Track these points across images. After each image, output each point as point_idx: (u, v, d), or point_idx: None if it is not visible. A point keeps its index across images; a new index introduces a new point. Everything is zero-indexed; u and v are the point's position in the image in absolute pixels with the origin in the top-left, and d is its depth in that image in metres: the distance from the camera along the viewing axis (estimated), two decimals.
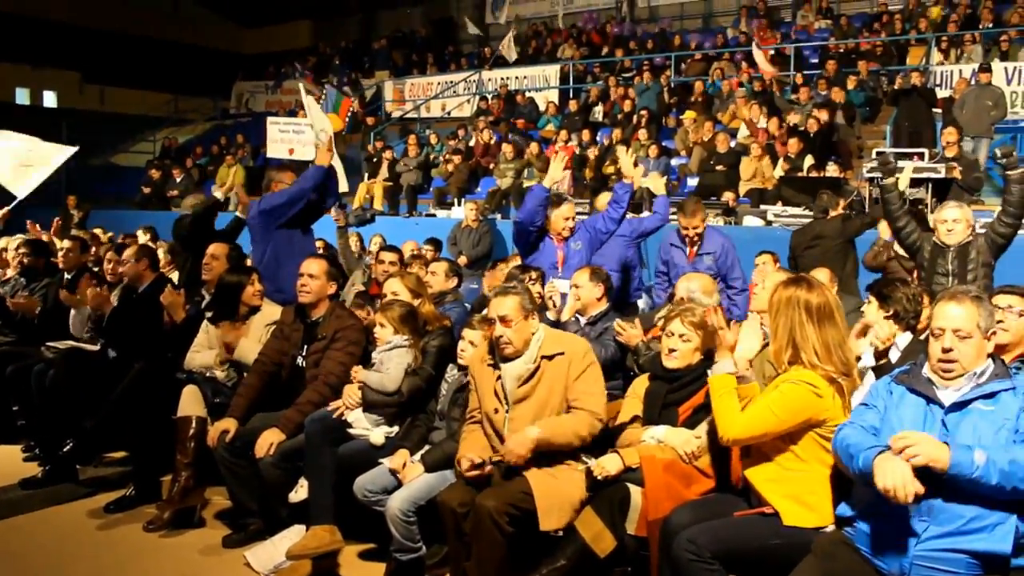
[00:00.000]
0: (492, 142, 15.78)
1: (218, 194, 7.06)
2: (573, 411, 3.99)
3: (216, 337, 5.44)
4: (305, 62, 25.30)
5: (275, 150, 14.92)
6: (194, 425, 5.06)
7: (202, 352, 5.45)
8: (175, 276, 7.52)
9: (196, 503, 5.17)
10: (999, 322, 3.82)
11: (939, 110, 12.90)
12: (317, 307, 5.08)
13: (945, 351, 3.05)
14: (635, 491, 3.70)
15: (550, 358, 4.05)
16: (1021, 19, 15.06)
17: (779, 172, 12.18)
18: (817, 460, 3.32)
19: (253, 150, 18.92)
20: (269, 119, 15.13)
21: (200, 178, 18.62)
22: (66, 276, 7.08)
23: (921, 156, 10.00)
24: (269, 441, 4.62)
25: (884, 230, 7.58)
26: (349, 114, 16.15)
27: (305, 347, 5.06)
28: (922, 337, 4.25)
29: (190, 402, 5.16)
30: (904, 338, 4.17)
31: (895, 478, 2.77)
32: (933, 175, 9.63)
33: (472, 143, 16.32)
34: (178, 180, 17.77)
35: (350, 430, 4.62)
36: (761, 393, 3.46)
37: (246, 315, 5.47)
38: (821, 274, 5.80)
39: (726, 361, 3.52)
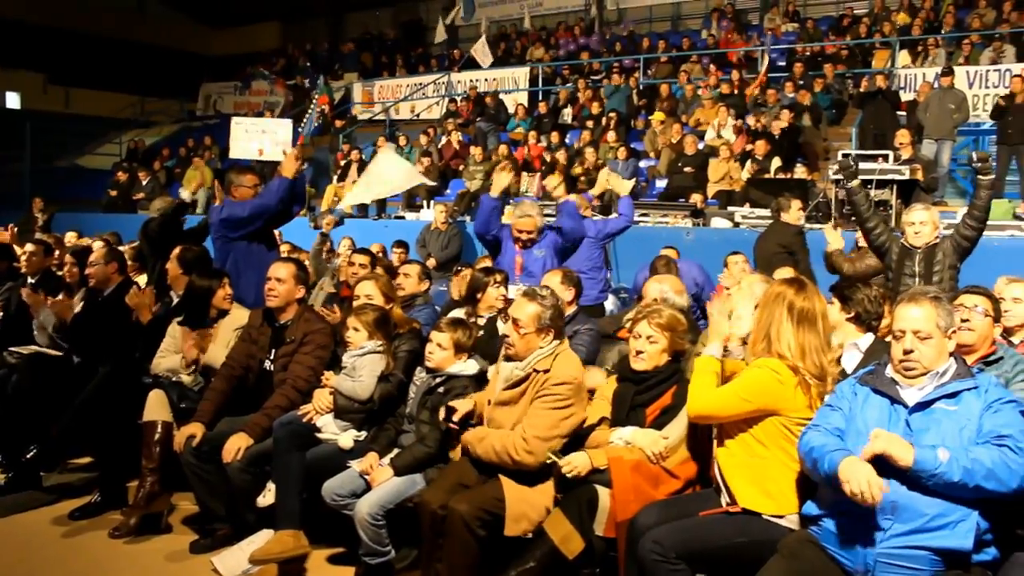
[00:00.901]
0: (461, 144, 15.77)
1: (185, 195, 6.99)
2: (514, 429, 4.01)
3: (182, 342, 5.40)
4: (273, 64, 25.16)
5: (240, 151, 14.83)
6: (160, 430, 5.03)
7: (168, 356, 5.41)
8: (141, 279, 7.45)
9: (162, 508, 5.12)
10: (965, 321, 3.90)
11: (903, 113, 13.08)
12: (285, 311, 5.06)
13: (906, 352, 3.12)
14: (603, 492, 3.72)
15: (541, 372, 4.05)
16: (982, 24, 15.29)
17: (746, 174, 12.27)
18: (780, 449, 3.37)
19: (221, 152, 18.76)
20: (233, 119, 15.05)
21: (167, 181, 18.45)
22: (30, 280, 6.98)
23: (885, 158, 10.11)
24: (236, 446, 4.59)
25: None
26: (320, 109, 16.13)
27: (273, 351, 5.03)
28: (887, 339, 4.30)
29: (156, 407, 5.12)
30: (866, 339, 4.21)
31: (861, 483, 2.83)
32: (897, 176, 9.74)
33: (441, 145, 16.29)
34: (145, 183, 17.57)
35: (319, 434, 4.60)
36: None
37: (215, 319, 5.43)
38: (785, 272, 5.87)
39: (715, 345, 3.66)
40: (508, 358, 4.16)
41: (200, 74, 26.14)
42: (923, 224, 5.83)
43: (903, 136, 10.77)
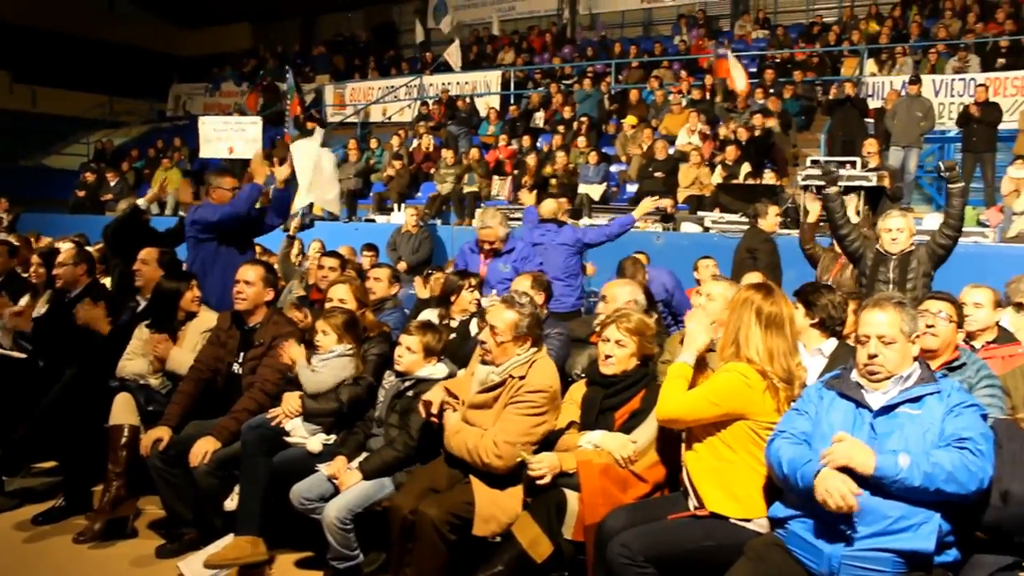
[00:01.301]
0: (432, 147, 15.77)
1: (141, 201, 6.87)
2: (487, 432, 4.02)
3: (149, 344, 5.35)
4: (243, 65, 25.02)
5: (210, 150, 14.72)
6: (126, 433, 4.98)
7: (135, 359, 5.35)
8: (107, 282, 7.37)
9: (128, 513, 5.07)
10: (930, 326, 3.95)
11: (871, 120, 13.24)
12: (254, 314, 5.03)
13: (871, 357, 3.17)
14: (572, 496, 3.72)
15: (517, 378, 4.06)
16: (948, 34, 15.51)
17: (716, 179, 12.35)
18: (747, 453, 3.40)
19: (191, 153, 18.65)
20: (201, 118, 14.94)
21: (136, 182, 18.31)
22: None
23: (853, 164, 10.22)
24: (204, 449, 4.56)
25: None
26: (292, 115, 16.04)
27: (241, 354, 5.00)
28: (850, 342, 4.34)
29: (122, 410, 5.07)
30: (830, 344, 4.24)
31: (838, 501, 2.89)
32: (864, 183, 9.85)
33: (413, 148, 16.28)
34: (113, 184, 17.43)
35: (287, 438, 4.58)
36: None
37: (183, 321, 5.39)
38: (753, 277, 5.91)
39: (688, 353, 3.66)
40: (484, 361, 4.17)
41: (170, 75, 25.94)
42: (900, 231, 5.88)
43: (871, 145, 10.90)
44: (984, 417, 3.11)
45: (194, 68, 26.37)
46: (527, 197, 7.73)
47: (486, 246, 6.24)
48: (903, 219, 5.96)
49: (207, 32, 28.57)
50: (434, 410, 4.24)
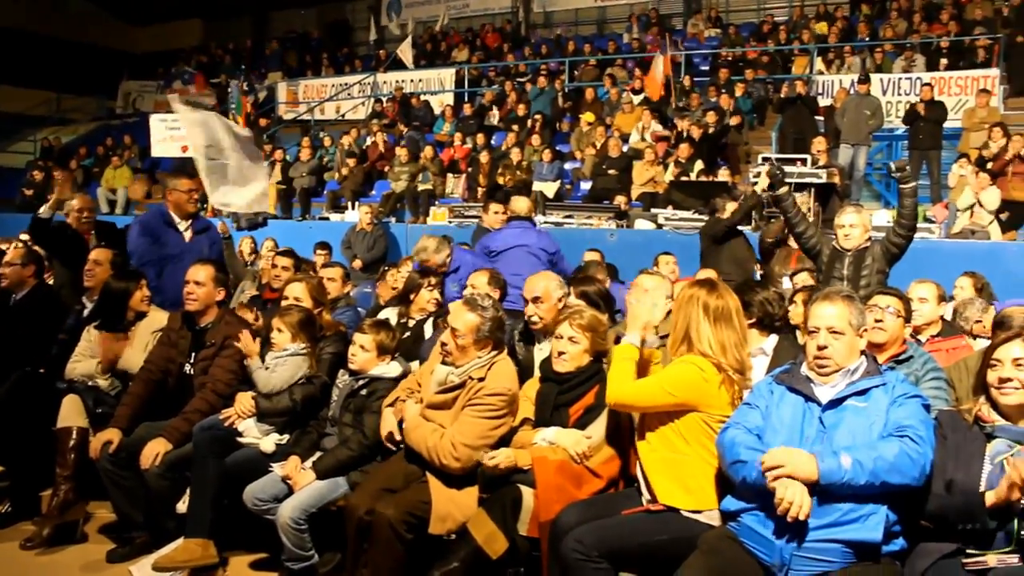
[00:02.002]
0: (386, 145, 15.71)
1: (43, 210, 6.62)
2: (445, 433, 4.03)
3: (98, 345, 5.27)
4: (191, 63, 24.71)
5: (163, 149, 14.47)
6: (75, 436, 4.91)
7: (83, 361, 5.27)
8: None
9: (78, 517, 4.99)
10: (878, 321, 4.01)
11: (821, 118, 13.43)
12: (205, 314, 4.99)
13: (820, 348, 3.23)
14: (527, 492, 3.73)
15: (476, 380, 4.06)
16: (894, 34, 15.80)
17: (669, 176, 12.45)
18: (700, 445, 3.44)
19: (141, 151, 18.37)
20: (153, 116, 14.69)
21: (84, 180, 18.00)
22: None
23: (804, 162, 10.35)
24: (155, 451, 4.50)
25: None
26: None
27: (193, 354, 4.95)
28: (801, 335, 4.40)
29: (71, 412, 5.00)
30: (771, 341, 4.28)
31: (795, 510, 2.94)
32: (815, 180, 9.99)
33: (367, 146, 16.20)
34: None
35: (240, 438, 4.54)
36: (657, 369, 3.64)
37: (133, 321, 5.32)
38: (707, 274, 5.97)
39: (634, 334, 3.69)
40: (445, 361, 4.18)
41: (120, 71, 25.51)
42: (852, 227, 5.91)
43: (819, 143, 11.06)
44: (927, 407, 3.18)
45: (145, 65, 25.97)
46: (493, 219, 7.70)
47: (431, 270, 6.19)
48: (857, 215, 6.00)
49: (158, 28, 28.13)
50: (388, 402, 4.27)
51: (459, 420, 4.01)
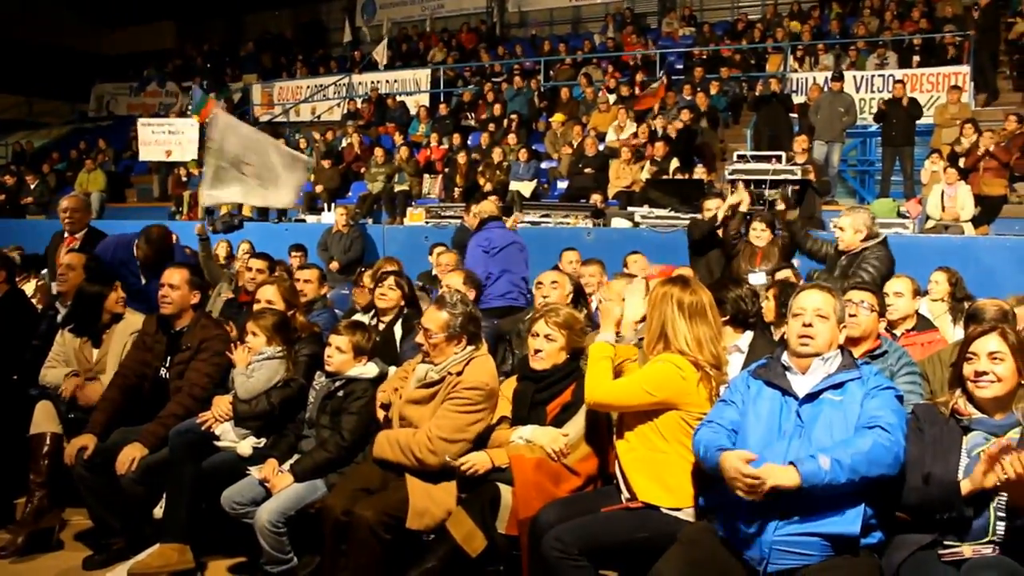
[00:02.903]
0: (362, 146, 15.67)
1: None
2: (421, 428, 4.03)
3: (71, 350, 5.22)
4: (166, 65, 24.55)
5: (148, 152, 14.48)
6: (49, 442, 4.85)
7: (57, 367, 5.22)
8: (29, 287, 7.18)
9: (53, 524, 4.93)
10: (852, 316, 4.04)
11: (796, 115, 13.53)
12: (181, 317, 4.95)
13: (805, 326, 3.27)
14: (505, 490, 3.74)
15: (454, 375, 4.08)
16: (867, 31, 15.95)
17: (646, 175, 12.48)
18: (679, 443, 3.45)
19: (115, 155, 18.24)
20: (140, 120, 14.68)
21: (57, 184, 17.83)
22: None
23: (779, 159, 10.41)
24: (130, 456, 4.46)
25: None
26: (212, 116, 15.74)
27: (169, 358, 4.92)
28: (776, 337, 4.42)
29: (44, 418, 4.94)
30: (746, 338, 4.30)
31: (739, 488, 2.98)
32: (789, 177, 10.05)
33: (343, 147, 16.14)
34: (33, 186, 16.96)
35: (217, 442, 4.51)
36: (633, 367, 3.64)
37: (108, 324, 5.27)
38: (685, 271, 5.98)
39: (608, 332, 3.71)
40: (426, 360, 4.20)
41: (92, 74, 25.28)
42: (842, 229, 6.01)
43: (802, 142, 11.16)
44: (900, 399, 3.21)
45: (117, 67, 25.75)
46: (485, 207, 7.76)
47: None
48: (846, 218, 6.05)
49: (130, 31, 27.87)
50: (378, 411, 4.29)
51: (437, 414, 4.02)
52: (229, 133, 7.82)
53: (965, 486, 2.94)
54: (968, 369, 3.15)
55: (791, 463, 2.98)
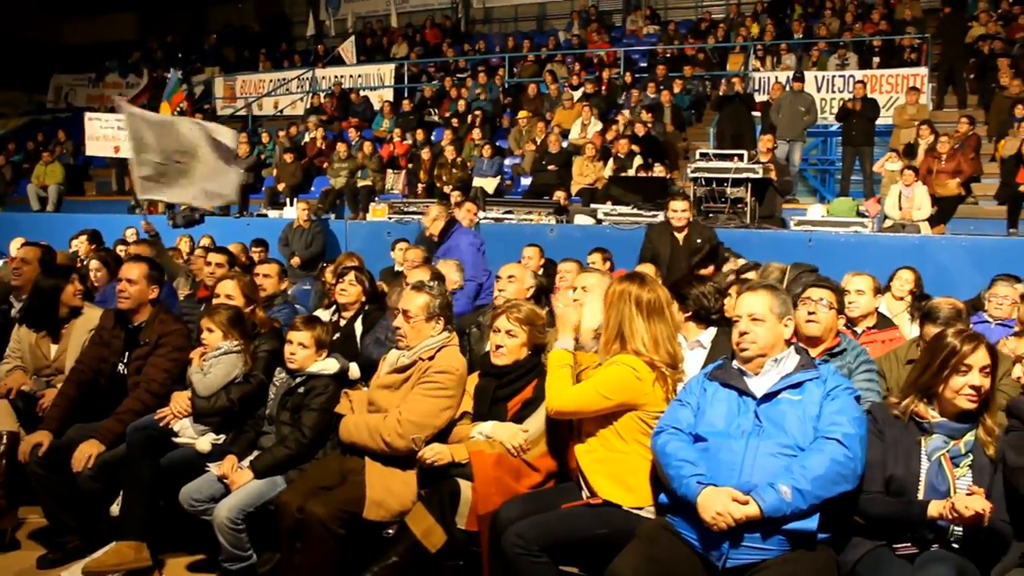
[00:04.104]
0: (325, 141, 15.57)
1: None
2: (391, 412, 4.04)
3: (28, 346, 5.14)
4: (127, 56, 24.20)
5: (96, 148, 14.21)
6: (4, 440, 4.76)
7: (12, 363, 5.14)
8: None
9: (8, 526, 4.84)
10: (811, 314, 4.08)
11: (758, 114, 13.64)
12: (139, 312, 4.89)
13: (741, 334, 3.31)
14: (465, 486, 3.73)
15: (426, 359, 4.11)
16: (828, 32, 16.12)
17: (608, 172, 12.53)
18: (637, 443, 3.47)
19: (74, 147, 17.95)
20: (87, 115, 14.38)
21: (13, 176, 17.56)
22: None
23: (741, 157, 10.49)
24: (87, 453, 4.40)
25: None
26: (178, 109, 15.57)
27: (126, 354, 4.86)
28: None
29: (0, 416, 4.85)
30: (708, 334, 4.33)
31: (719, 525, 2.99)
32: (751, 175, 10.13)
33: (305, 142, 16.03)
34: None
35: (176, 439, 4.47)
36: (592, 373, 3.62)
37: (67, 319, 5.20)
38: (647, 268, 6.02)
39: (566, 338, 3.71)
40: (398, 347, 4.23)
41: (51, 65, 24.85)
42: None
43: (767, 142, 11.27)
44: (858, 399, 3.25)
45: (77, 58, 25.32)
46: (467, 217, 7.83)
47: None
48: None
49: (91, 21, 27.43)
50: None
51: (408, 398, 4.03)
52: (141, 125, 7.63)
53: (931, 510, 2.97)
54: (959, 380, 3.13)
55: (748, 493, 3.00)
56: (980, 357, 3.12)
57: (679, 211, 7.80)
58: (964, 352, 3.12)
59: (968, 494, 2.93)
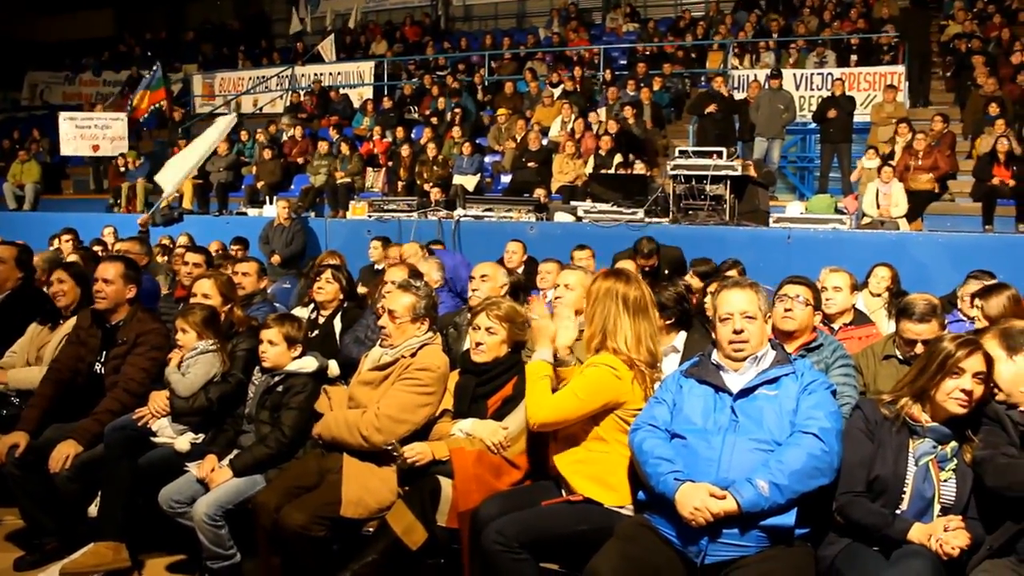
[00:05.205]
0: (304, 138, 15.52)
1: None
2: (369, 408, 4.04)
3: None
4: (103, 53, 24.02)
5: (72, 147, 14.10)
6: None
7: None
8: None
9: None
10: (788, 310, 4.10)
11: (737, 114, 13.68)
12: (116, 312, 4.85)
13: (736, 332, 3.28)
14: (445, 483, 3.73)
15: (408, 356, 4.11)
16: (807, 30, 16.21)
17: (588, 169, 12.55)
18: (618, 442, 3.46)
19: (51, 145, 17.80)
20: (62, 114, 14.30)
21: None
22: None
23: (720, 155, 10.54)
24: (64, 454, 4.37)
25: None
26: (156, 105, 15.47)
27: (104, 353, 4.82)
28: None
29: None
30: (680, 338, 4.33)
31: (697, 520, 3.00)
32: (730, 172, 10.19)
33: (284, 140, 15.97)
34: None
35: (154, 438, 4.43)
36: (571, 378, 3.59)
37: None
38: (627, 264, 6.04)
39: (544, 349, 3.66)
40: (382, 345, 4.24)
41: (26, 62, 24.61)
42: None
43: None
44: (834, 393, 3.27)
45: (52, 55, 25.09)
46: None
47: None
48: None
49: (67, 18, 27.17)
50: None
51: (388, 394, 4.03)
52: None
53: (913, 533, 2.97)
54: (951, 384, 3.12)
55: (726, 488, 3.02)
56: (974, 363, 3.11)
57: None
58: (959, 356, 3.11)
59: (947, 526, 2.93)
